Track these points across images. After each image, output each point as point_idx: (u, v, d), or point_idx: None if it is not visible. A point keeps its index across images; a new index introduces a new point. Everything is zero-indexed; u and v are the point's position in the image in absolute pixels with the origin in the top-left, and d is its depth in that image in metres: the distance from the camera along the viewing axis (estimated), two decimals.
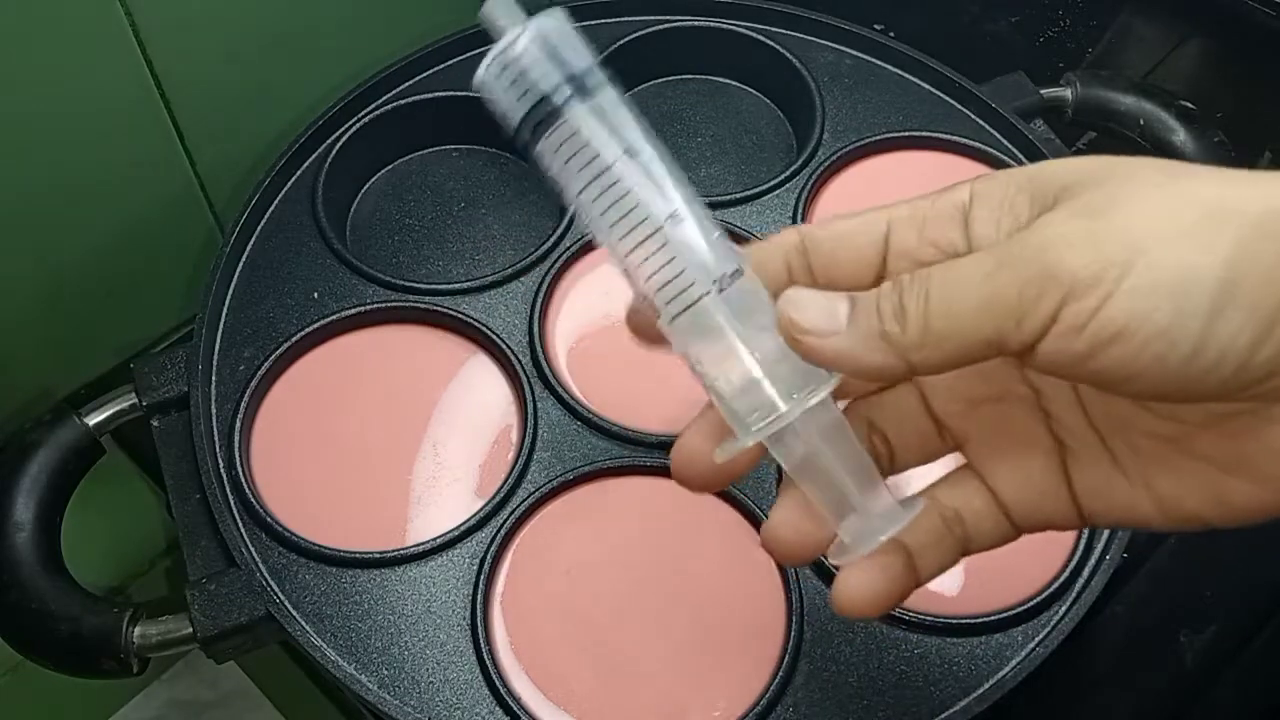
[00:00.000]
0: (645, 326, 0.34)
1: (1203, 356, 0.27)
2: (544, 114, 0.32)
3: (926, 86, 0.65)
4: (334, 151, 0.61)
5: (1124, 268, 0.27)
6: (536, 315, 0.57)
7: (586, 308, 0.58)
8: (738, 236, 0.60)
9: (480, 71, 0.33)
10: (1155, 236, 0.27)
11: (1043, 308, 0.27)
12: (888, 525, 0.31)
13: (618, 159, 0.32)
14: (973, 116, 0.63)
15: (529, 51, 0.33)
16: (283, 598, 0.50)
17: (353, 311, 0.57)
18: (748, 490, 0.52)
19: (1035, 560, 0.51)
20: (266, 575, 0.50)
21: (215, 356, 0.56)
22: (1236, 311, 0.26)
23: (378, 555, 0.51)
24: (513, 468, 0.53)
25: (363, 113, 0.62)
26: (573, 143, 0.32)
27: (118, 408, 0.55)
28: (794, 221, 0.60)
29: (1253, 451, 0.29)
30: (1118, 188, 0.28)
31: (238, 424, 0.53)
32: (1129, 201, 0.28)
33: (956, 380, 0.33)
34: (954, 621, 0.49)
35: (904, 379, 0.33)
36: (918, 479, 0.34)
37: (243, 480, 0.52)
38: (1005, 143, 0.62)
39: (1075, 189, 0.29)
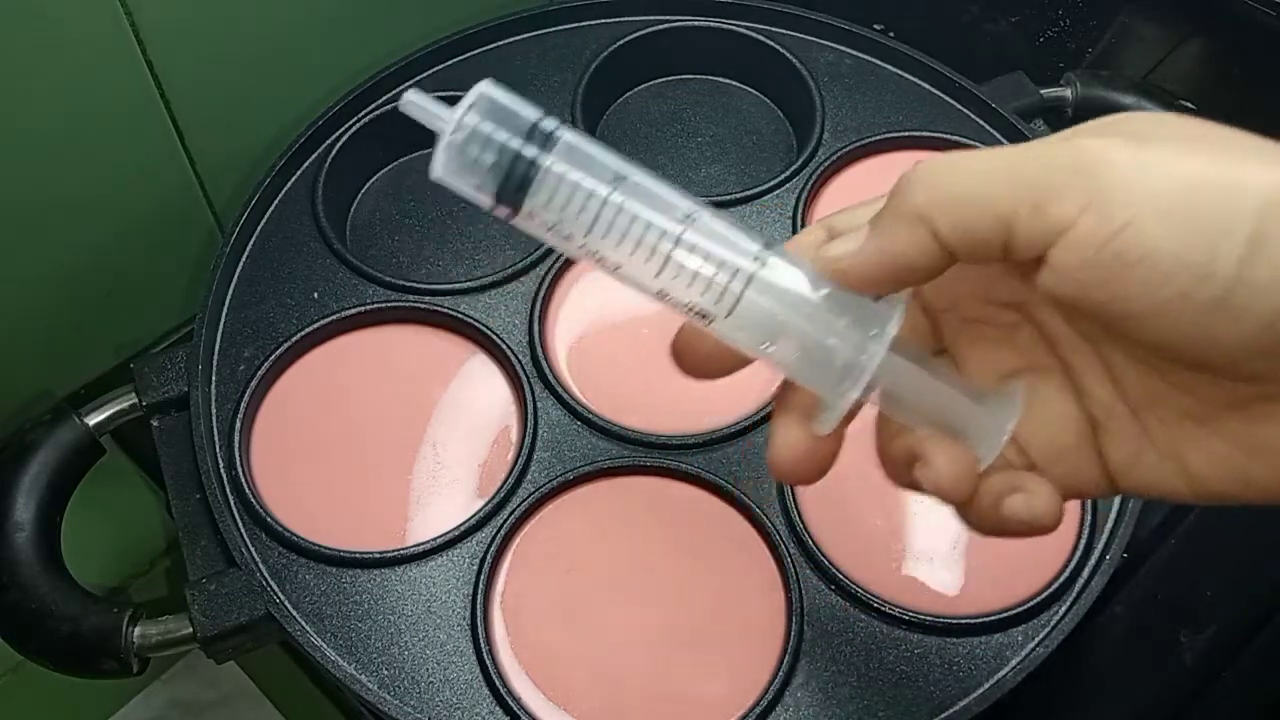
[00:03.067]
0: (694, 348, 0.33)
1: (1231, 302, 0.25)
2: (520, 178, 0.32)
3: (926, 86, 0.65)
4: (334, 151, 0.61)
5: (1160, 193, 0.25)
6: (536, 315, 0.57)
7: (586, 308, 0.58)
8: None
9: (438, 162, 0.32)
10: (1196, 173, 0.26)
11: (1066, 201, 0.26)
12: (1004, 421, 0.31)
13: (612, 189, 0.31)
14: (973, 116, 0.63)
15: (483, 120, 0.32)
16: (283, 598, 0.50)
17: (353, 311, 0.57)
18: (748, 490, 0.52)
19: (1035, 560, 0.51)
20: (266, 575, 0.50)
21: (215, 356, 0.56)
22: (1272, 259, 0.25)
23: (378, 555, 0.51)
24: (513, 468, 0.53)
25: (363, 113, 0.62)
26: (563, 191, 0.31)
27: (118, 408, 0.55)
28: (794, 221, 0.60)
29: (1273, 437, 0.29)
30: (1164, 128, 0.27)
31: (238, 424, 0.53)
32: (1174, 139, 0.27)
33: (988, 352, 0.33)
34: (954, 621, 0.49)
35: (935, 269, 0.30)
36: None
37: (243, 480, 0.52)
38: (1005, 143, 0.62)
39: (1120, 123, 0.28)
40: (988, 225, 0.28)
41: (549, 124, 0.32)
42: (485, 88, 0.32)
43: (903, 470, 0.33)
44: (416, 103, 0.33)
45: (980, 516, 0.32)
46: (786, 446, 0.33)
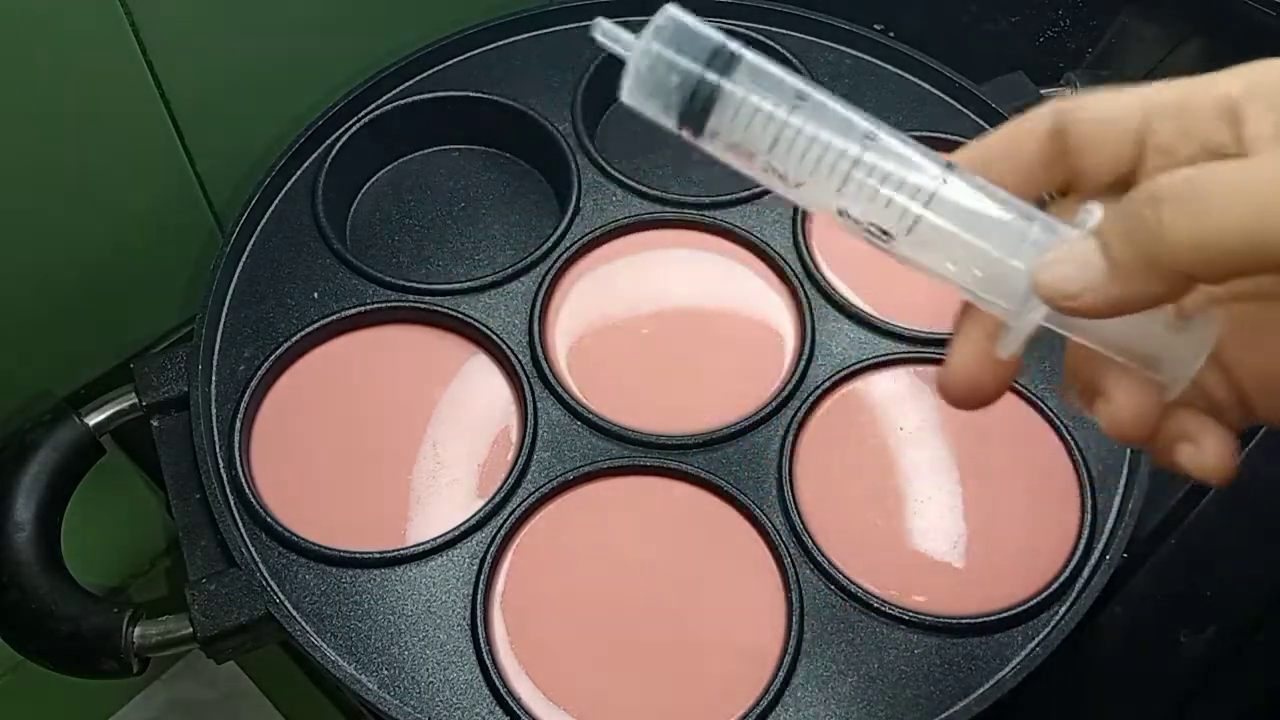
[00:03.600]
0: (979, 383, 0.32)
1: None
2: (703, 99, 0.32)
3: (926, 86, 0.65)
4: (334, 151, 0.61)
5: None
6: (536, 315, 0.57)
7: (586, 308, 0.58)
8: (737, 237, 0.60)
9: (625, 87, 0.33)
10: None
11: None
12: (1198, 351, 0.30)
13: (792, 110, 0.32)
14: (973, 116, 0.63)
15: (666, 46, 0.32)
16: (283, 598, 0.50)
17: (353, 311, 0.57)
18: (748, 490, 0.52)
19: (1035, 560, 0.51)
20: (266, 575, 0.50)
21: (215, 356, 0.56)
22: None
23: (378, 555, 0.51)
24: (513, 468, 0.53)
25: (363, 113, 0.62)
26: (745, 112, 0.32)
27: (118, 408, 0.55)
28: (794, 221, 0.60)
29: None
30: None
31: (238, 424, 0.53)
32: None
33: None
34: (954, 621, 0.49)
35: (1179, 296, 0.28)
36: None
37: (243, 480, 0.52)
38: None
39: None
40: (1252, 263, 0.24)
41: (732, 46, 0.33)
42: (672, 10, 0.33)
43: (1083, 402, 0.32)
44: (605, 29, 0.33)
45: (1156, 454, 0.31)
46: (963, 367, 0.32)
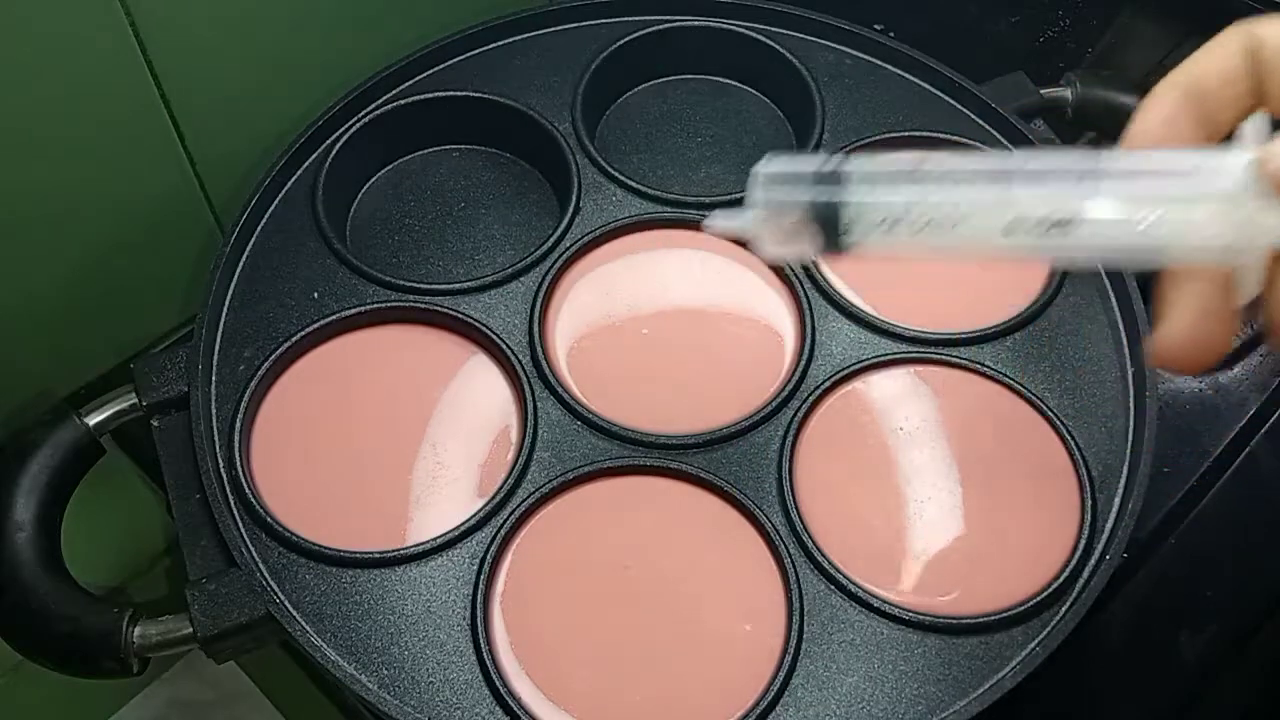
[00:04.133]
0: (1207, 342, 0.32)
1: None
2: (832, 223, 0.33)
3: (926, 86, 0.65)
4: (334, 151, 0.61)
5: None
6: (536, 315, 0.57)
7: (586, 308, 0.58)
8: (737, 240, 0.60)
9: (761, 251, 0.35)
10: None
11: None
12: None
13: (918, 191, 0.32)
14: (973, 116, 0.63)
15: (772, 193, 0.34)
16: (283, 598, 0.50)
17: (353, 311, 0.57)
18: (748, 490, 0.52)
19: (1035, 560, 0.51)
20: (266, 575, 0.50)
21: (215, 356, 0.56)
22: None
23: (378, 555, 0.51)
24: (513, 468, 0.53)
25: (363, 113, 0.62)
26: (875, 213, 0.33)
27: (118, 408, 0.55)
28: None
29: None
30: None
31: (238, 424, 0.53)
32: None
33: None
34: (954, 621, 0.49)
35: None
36: None
37: (243, 480, 0.52)
38: (1005, 143, 0.62)
39: None
40: None
41: (830, 165, 0.33)
42: (760, 168, 0.34)
43: None
44: (714, 226, 0.36)
45: None
46: (1191, 327, 0.32)
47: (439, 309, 0.57)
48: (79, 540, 0.55)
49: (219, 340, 0.56)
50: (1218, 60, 0.31)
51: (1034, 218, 0.32)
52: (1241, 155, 0.30)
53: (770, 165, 0.34)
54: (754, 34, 0.65)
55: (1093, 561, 0.51)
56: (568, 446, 0.54)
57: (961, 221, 0.32)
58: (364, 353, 0.57)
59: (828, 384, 0.55)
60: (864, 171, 0.33)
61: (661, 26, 0.65)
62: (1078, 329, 0.57)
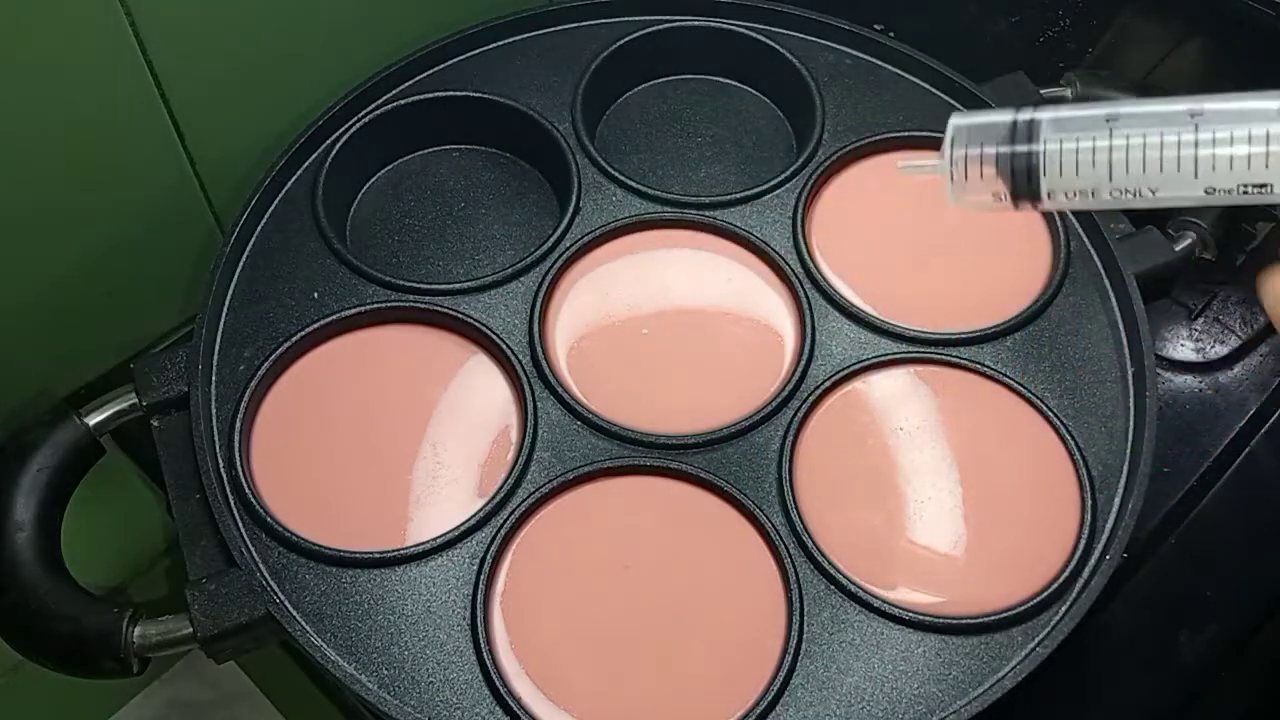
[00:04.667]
0: None
1: None
2: (1024, 173, 0.34)
3: (926, 86, 0.65)
4: (334, 151, 0.61)
5: None
6: (536, 315, 0.57)
7: (586, 308, 0.58)
8: (737, 237, 0.60)
9: (951, 198, 0.36)
10: None
11: None
12: None
13: (1109, 131, 0.33)
14: None
15: (968, 146, 0.35)
16: (283, 598, 0.50)
17: (353, 311, 0.57)
18: (748, 490, 0.52)
19: (1035, 560, 0.51)
20: (266, 575, 0.50)
21: (215, 356, 0.56)
22: None
23: (378, 555, 0.51)
24: (513, 468, 0.53)
25: (363, 113, 0.62)
26: (1068, 162, 0.33)
27: (118, 408, 0.55)
28: (794, 221, 0.60)
29: None
30: None
31: (238, 424, 0.53)
32: None
33: None
34: (954, 621, 0.49)
35: None
36: None
37: (243, 480, 0.52)
38: None
39: None
40: None
41: (1023, 115, 0.34)
42: (955, 120, 0.35)
43: None
44: (906, 165, 0.37)
45: None
46: None
47: (439, 309, 0.57)
48: (79, 540, 0.55)
49: (219, 340, 0.56)
50: None
51: (1229, 186, 0.32)
52: None
53: (965, 118, 0.35)
54: (754, 34, 0.65)
55: (1093, 561, 0.51)
56: (568, 446, 0.54)
57: (1160, 188, 0.33)
58: (364, 353, 0.57)
59: (828, 384, 0.55)
60: (1058, 119, 0.34)
61: (661, 26, 0.65)
62: (1078, 329, 0.57)
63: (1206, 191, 0.33)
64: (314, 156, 0.61)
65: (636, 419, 0.54)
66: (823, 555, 0.51)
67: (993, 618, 0.49)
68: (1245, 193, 0.32)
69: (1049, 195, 0.34)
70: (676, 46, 0.66)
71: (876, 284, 0.59)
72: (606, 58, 0.64)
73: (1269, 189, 0.32)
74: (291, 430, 0.55)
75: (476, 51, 0.65)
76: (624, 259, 0.60)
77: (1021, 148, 0.33)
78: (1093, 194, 0.33)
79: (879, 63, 0.65)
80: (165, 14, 0.54)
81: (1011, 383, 0.55)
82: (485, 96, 0.63)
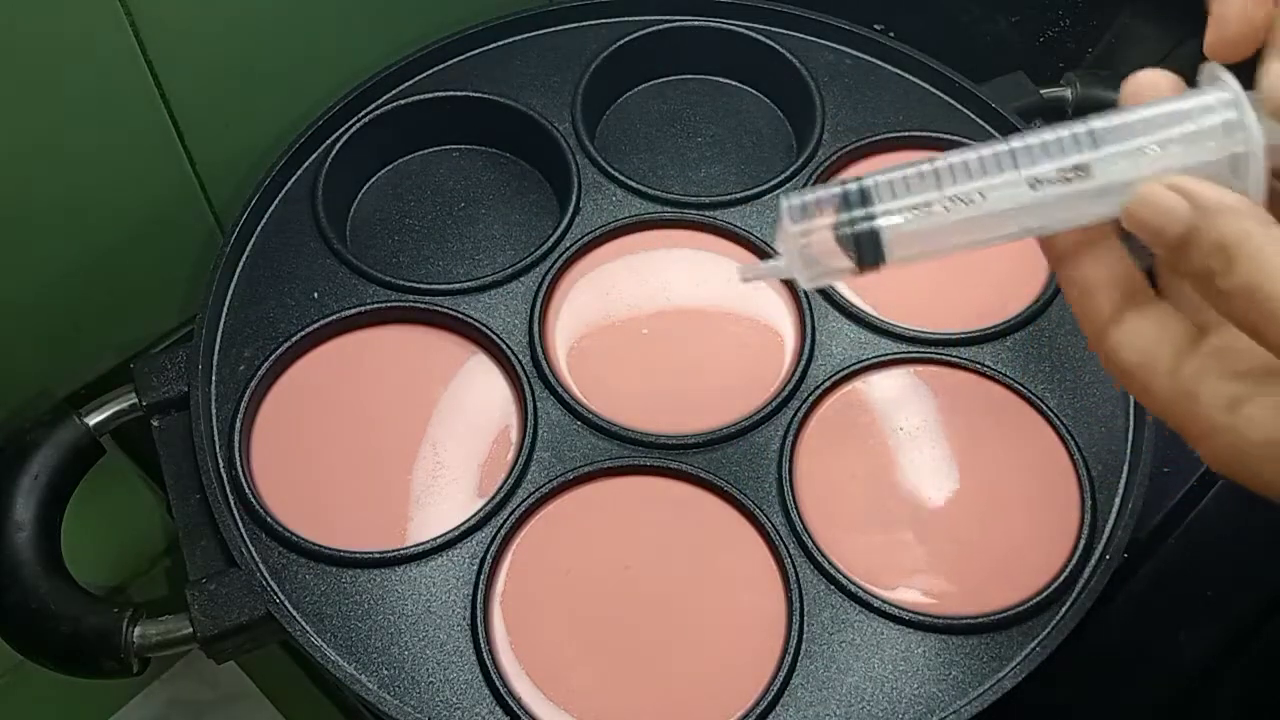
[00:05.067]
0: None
1: None
2: (869, 244, 0.35)
3: (926, 86, 0.65)
4: (334, 151, 0.61)
5: None
6: (536, 315, 0.57)
7: (586, 308, 0.58)
8: (737, 237, 0.60)
9: (800, 282, 0.36)
10: None
11: None
12: None
13: (939, 191, 0.34)
14: (973, 116, 0.63)
15: (800, 223, 0.35)
16: (283, 598, 0.50)
17: (353, 311, 0.57)
18: (748, 490, 0.52)
19: (1035, 560, 0.51)
20: (266, 575, 0.50)
21: (215, 356, 0.56)
22: None
23: (378, 555, 0.51)
24: (513, 468, 0.53)
25: (363, 113, 0.62)
26: (909, 227, 0.34)
27: (118, 408, 0.55)
28: None
29: None
30: None
31: (238, 424, 0.53)
32: None
33: None
34: (954, 621, 0.49)
35: None
36: None
37: (243, 480, 0.52)
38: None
39: None
40: None
41: (850, 186, 0.35)
42: (783, 200, 0.35)
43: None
44: (747, 273, 0.37)
45: None
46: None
47: (439, 309, 0.57)
48: (79, 540, 0.55)
49: (219, 340, 0.56)
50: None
51: (1052, 171, 0.33)
52: (1216, 93, 0.32)
53: (792, 199, 0.35)
54: (754, 34, 0.65)
55: (1093, 561, 0.51)
56: (568, 446, 0.54)
57: (988, 194, 0.34)
58: (364, 353, 0.57)
59: (828, 384, 0.55)
60: (884, 182, 0.34)
61: (661, 26, 0.65)
62: (1078, 329, 0.57)
63: (1030, 185, 0.33)
64: (314, 156, 0.61)
65: (636, 419, 0.54)
66: (823, 555, 0.51)
67: (993, 618, 0.49)
68: (1067, 180, 0.33)
69: (899, 261, 0.35)
70: (676, 46, 0.66)
71: (876, 284, 0.59)
72: (606, 58, 0.64)
73: (1085, 173, 0.33)
74: (291, 430, 0.55)
75: (476, 51, 0.65)
76: (624, 259, 0.60)
77: (860, 214, 0.34)
78: (928, 207, 0.34)
79: (879, 63, 0.65)
80: (165, 14, 0.54)
81: (1011, 383, 0.55)
82: (485, 96, 0.63)
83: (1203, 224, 0.30)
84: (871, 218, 0.34)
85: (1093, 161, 0.33)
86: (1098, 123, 0.33)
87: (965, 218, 0.34)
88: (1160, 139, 0.32)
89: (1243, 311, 0.30)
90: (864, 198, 0.34)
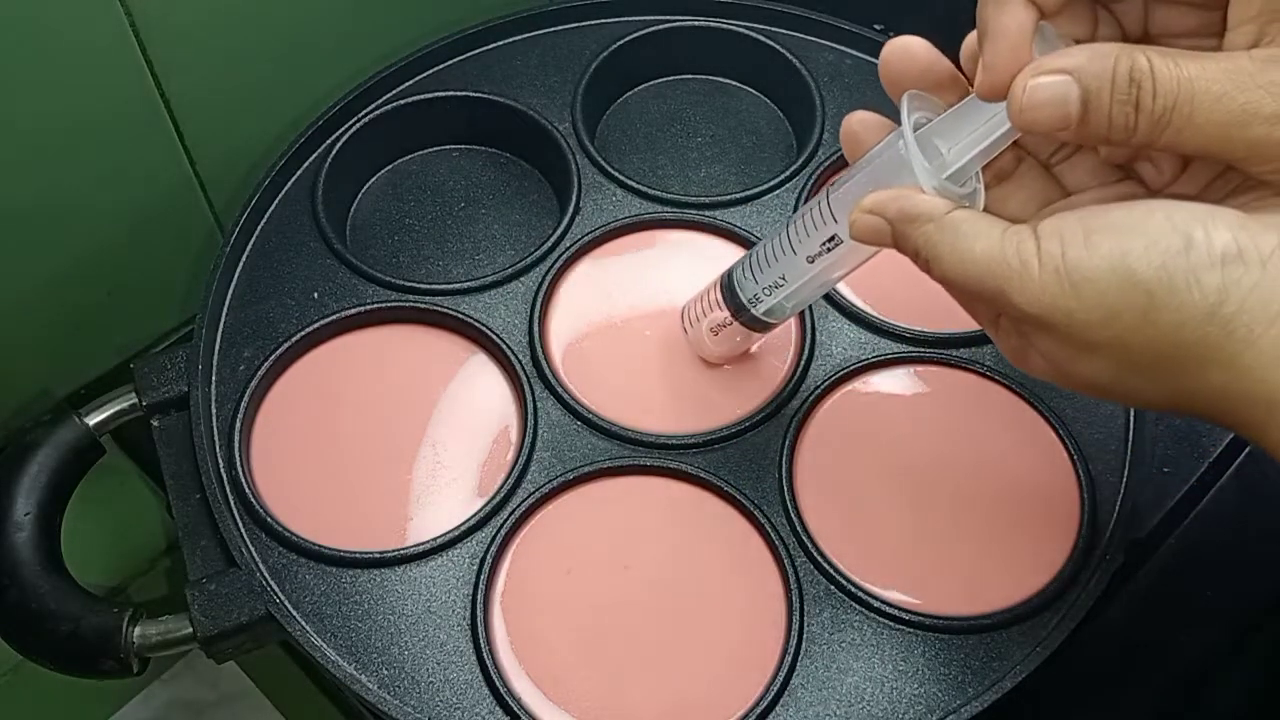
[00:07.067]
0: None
1: None
2: (761, 318, 0.52)
3: None
4: (334, 151, 0.61)
5: None
6: (536, 315, 0.57)
7: (586, 308, 0.58)
8: (737, 237, 0.60)
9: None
10: None
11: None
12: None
13: (773, 289, 0.49)
14: None
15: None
16: (283, 598, 0.50)
17: (353, 311, 0.57)
18: (748, 490, 0.52)
19: (1035, 561, 0.51)
20: (266, 575, 0.50)
21: (215, 356, 0.56)
22: None
23: (378, 555, 0.51)
24: (513, 468, 0.53)
25: (363, 113, 0.62)
26: (766, 300, 0.50)
27: (118, 408, 0.55)
28: None
29: None
30: None
31: (238, 424, 0.53)
32: None
33: None
34: (954, 621, 0.49)
35: None
36: None
37: (243, 480, 0.52)
38: None
39: None
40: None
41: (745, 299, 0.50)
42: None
43: None
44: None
45: None
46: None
47: (439, 309, 0.57)
48: (79, 540, 0.55)
49: (219, 340, 0.56)
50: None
51: (816, 246, 0.45)
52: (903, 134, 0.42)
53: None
54: (754, 34, 0.65)
55: (1093, 561, 0.51)
56: (568, 446, 0.54)
57: (788, 276, 0.47)
58: (364, 353, 0.57)
59: (828, 384, 0.55)
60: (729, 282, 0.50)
61: (661, 26, 0.65)
62: None
63: (808, 260, 0.45)
64: (314, 156, 0.61)
65: (637, 419, 0.54)
66: (823, 555, 0.51)
67: (993, 618, 0.49)
68: (829, 248, 0.44)
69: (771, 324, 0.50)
70: (676, 46, 0.66)
71: (876, 284, 0.59)
72: (606, 58, 0.64)
73: (836, 239, 0.44)
74: (291, 430, 0.55)
75: (476, 51, 0.65)
76: (624, 259, 0.60)
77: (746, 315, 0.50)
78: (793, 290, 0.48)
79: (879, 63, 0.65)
80: (165, 14, 0.54)
81: (1011, 383, 0.55)
82: (485, 96, 0.63)
83: (898, 232, 0.38)
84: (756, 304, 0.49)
85: (837, 231, 0.43)
86: (834, 193, 0.43)
87: (790, 291, 0.47)
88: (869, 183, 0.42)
89: (952, 292, 0.39)
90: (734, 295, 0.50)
